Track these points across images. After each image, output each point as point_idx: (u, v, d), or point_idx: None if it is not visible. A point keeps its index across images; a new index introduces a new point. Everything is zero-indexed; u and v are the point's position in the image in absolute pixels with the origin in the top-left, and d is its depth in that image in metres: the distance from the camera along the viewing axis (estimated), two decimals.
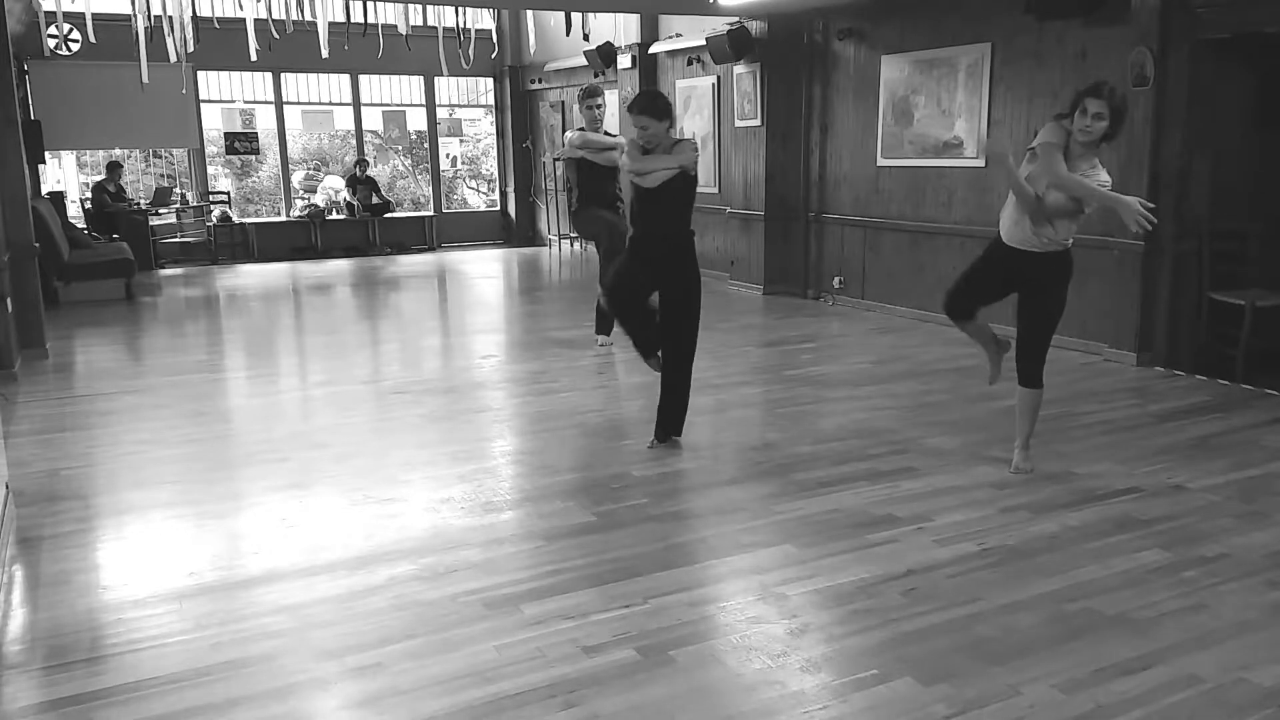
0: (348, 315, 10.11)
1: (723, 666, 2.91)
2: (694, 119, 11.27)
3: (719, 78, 10.65)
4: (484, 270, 12.96)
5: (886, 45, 8.57)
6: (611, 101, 12.76)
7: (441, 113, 15.37)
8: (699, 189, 12.04)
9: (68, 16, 10.32)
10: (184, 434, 5.44)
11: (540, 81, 14.44)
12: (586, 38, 11.13)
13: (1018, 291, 4.51)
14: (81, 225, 12.19)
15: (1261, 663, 2.90)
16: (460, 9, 11.38)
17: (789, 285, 9.87)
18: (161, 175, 14.97)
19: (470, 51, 11.61)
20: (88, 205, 12.71)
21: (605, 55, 11.91)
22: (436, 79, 14.63)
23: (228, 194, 14.50)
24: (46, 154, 11.83)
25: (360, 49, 10.85)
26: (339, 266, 13.36)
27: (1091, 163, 4.29)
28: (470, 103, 15.79)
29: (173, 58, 9.74)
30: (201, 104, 13.48)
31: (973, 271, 4.70)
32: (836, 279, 9.39)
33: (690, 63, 11.14)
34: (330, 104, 14.48)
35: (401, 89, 14.91)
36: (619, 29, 11.92)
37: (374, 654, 3.00)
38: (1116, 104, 4.15)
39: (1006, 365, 4.84)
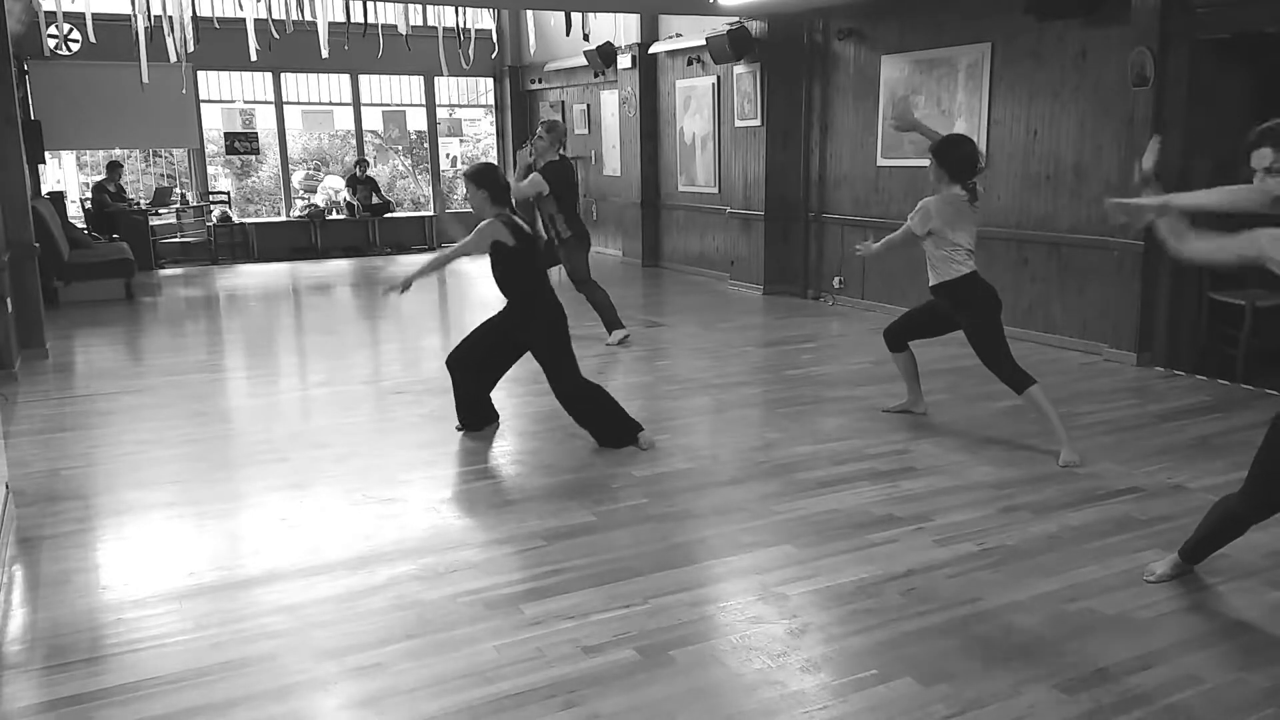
0: (348, 315, 10.11)
1: (723, 666, 2.91)
2: (694, 119, 11.27)
3: (719, 78, 10.65)
4: (484, 270, 12.90)
5: (886, 45, 8.56)
6: (610, 102, 12.81)
7: (441, 113, 15.36)
8: (700, 189, 12.10)
9: (68, 16, 10.32)
10: (184, 434, 5.44)
11: (540, 81, 14.44)
12: (586, 38, 11.13)
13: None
14: (81, 225, 12.18)
15: (1261, 663, 2.90)
16: (460, 9, 11.38)
17: (789, 285, 9.87)
18: (161, 175, 14.96)
19: (470, 51, 11.61)
20: (88, 205, 12.69)
21: (605, 55, 11.91)
22: (436, 79, 14.63)
23: (228, 194, 14.49)
24: (46, 154, 11.81)
25: (360, 49, 10.85)
26: (339, 266, 13.36)
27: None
28: (470, 103, 15.78)
29: (173, 58, 9.74)
30: (201, 104, 13.47)
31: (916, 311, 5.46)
32: (836, 279, 9.39)
33: (690, 63, 11.14)
34: (330, 104, 14.47)
35: (401, 89, 14.90)
36: (619, 29, 11.92)
37: (374, 654, 3.00)
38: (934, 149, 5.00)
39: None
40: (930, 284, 5.07)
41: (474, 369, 5.23)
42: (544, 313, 5.02)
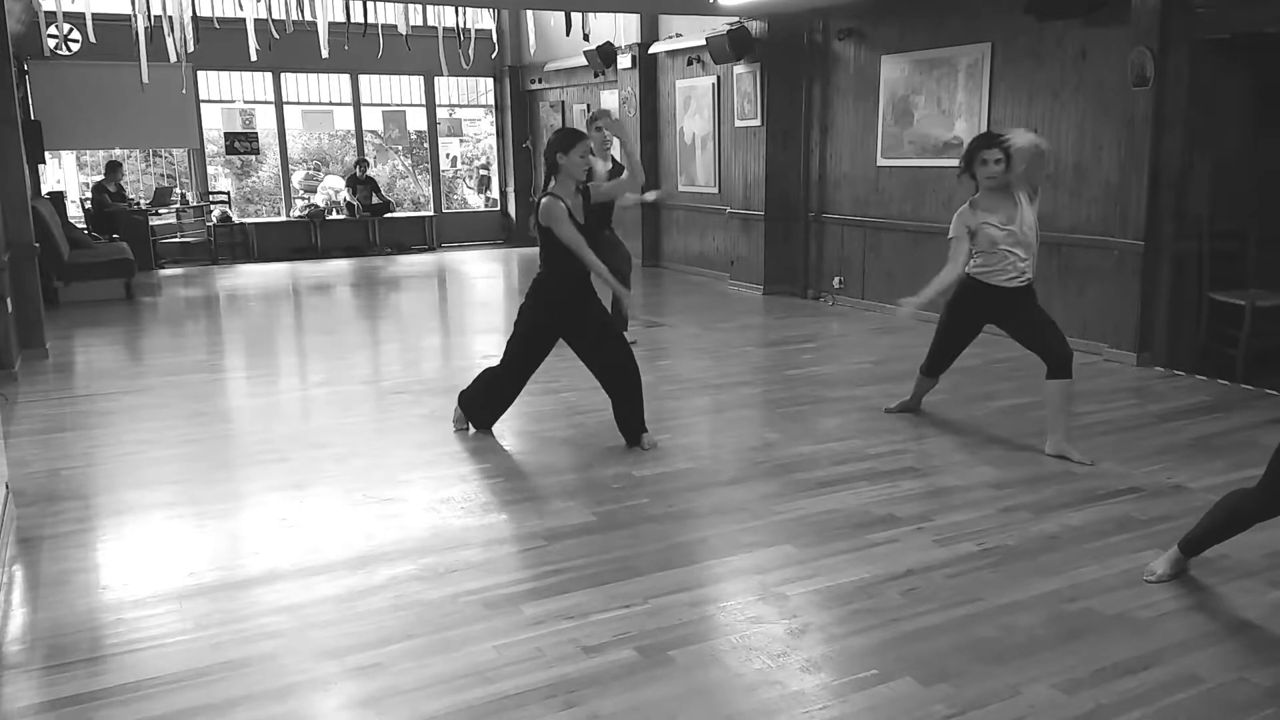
0: (348, 315, 10.11)
1: (723, 666, 2.91)
2: (694, 119, 11.27)
3: (719, 78, 10.65)
4: (484, 270, 12.95)
5: (886, 45, 8.56)
6: (610, 102, 12.80)
7: (441, 113, 15.37)
8: (700, 189, 12.10)
9: (68, 16, 10.32)
10: (184, 434, 5.44)
11: (540, 81, 14.44)
12: (586, 38, 11.13)
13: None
14: (81, 225, 12.18)
15: (1261, 663, 2.90)
16: (460, 9, 11.38)
17: (789, 285, 9.87)
18: (161, 175, 14.96)
19: (470, 51, 11.60)
20: (88, 205, 12.69)
21: (605, 55, 11.91)
22: (436, 79, 14.63)
23: (228, 194, 14.49)
24: (46, 154, 11.82)
25: (360, 49, 10.85)
26: (339, 266, 13.36)
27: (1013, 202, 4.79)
28: (470, 103, 15.79)
29: (173, 58, 9.74)
30: (201, 104, 13.47)
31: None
32: (836, 279, 9.39)
33: (690, 63, 11.14)
34: (330, 104, 14.48)
35: (401, 89, 14.91)
36: (619, 29, 11.92)
37: (374, 654, 3.00)
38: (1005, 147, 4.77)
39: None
40: (1013, 284, 4.84)
41: (517, 370, 5.19)
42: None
